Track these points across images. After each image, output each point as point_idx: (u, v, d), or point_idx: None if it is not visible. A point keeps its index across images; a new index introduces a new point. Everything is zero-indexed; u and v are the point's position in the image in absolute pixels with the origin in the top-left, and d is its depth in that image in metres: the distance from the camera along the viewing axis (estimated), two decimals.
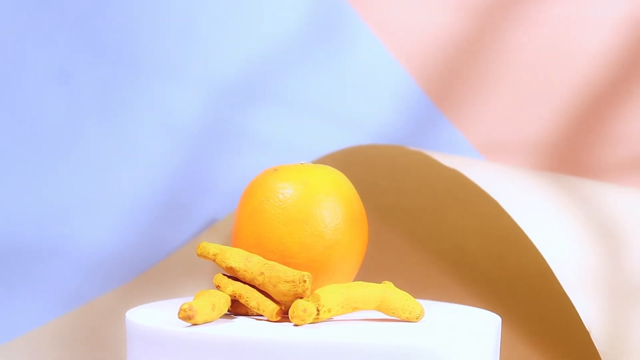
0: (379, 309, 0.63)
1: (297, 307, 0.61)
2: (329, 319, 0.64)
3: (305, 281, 0.62)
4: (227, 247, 0.66)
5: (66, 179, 0.89)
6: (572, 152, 0.93)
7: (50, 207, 0.89)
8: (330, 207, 0.66)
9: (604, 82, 0.93)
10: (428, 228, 0.89)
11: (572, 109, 0.93)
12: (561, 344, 0.84)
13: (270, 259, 0.65)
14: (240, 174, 0.91)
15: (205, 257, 0.66)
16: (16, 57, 0.89)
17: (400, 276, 0.89)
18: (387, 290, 0.63)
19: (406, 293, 0.64)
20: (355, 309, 0.63)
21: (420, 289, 0.87)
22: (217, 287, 0.65)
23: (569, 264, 0.72)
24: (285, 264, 0.65)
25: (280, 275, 0.63)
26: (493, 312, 0.81)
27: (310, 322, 0.62)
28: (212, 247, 0.65)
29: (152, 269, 0.90)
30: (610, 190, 0.83)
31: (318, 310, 0.62)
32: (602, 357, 0.68)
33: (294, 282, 0.62)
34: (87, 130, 0.90)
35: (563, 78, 0.93)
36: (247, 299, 0.64)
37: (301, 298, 0.62)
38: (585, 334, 0.71)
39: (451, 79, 0.94)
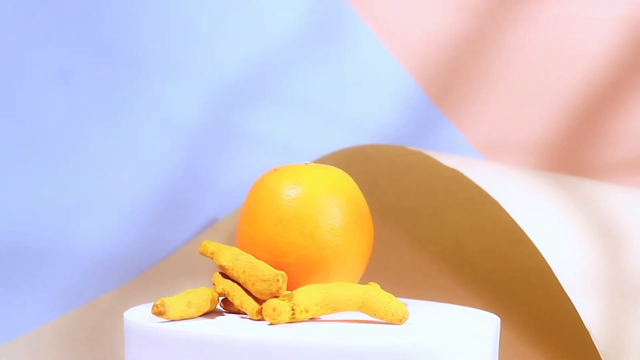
0: (361, 310, 0.63)
1: (268, 306, 0.61)
2: (313, 319, 0.64)
3: (278, 280, 0.62)
4: (225, 245, 0.66)
5: (66, 179, 0.89)
6: (572, 152, 0.93)
7: (50, 207, 0.89)
8: (322, 208, 0.66)
9: (604, 82, 0.93)
10: (428, 228, 0.89)
11: (572, 109, 0.93)
12: (561, 343, 0.84)
13: (261, 258, 0.65)
14: (240, 174, 0.91)
15: (205, 255, 0.67)
16: (16, 57, 0.89)
17: (400, 276, 0.89)
18: (368, 292, 0.63)
19: (390, 294, 0.63)
20: (335, 309, 0.63)
21: (420, 289, 0.87)
22: (214, 284, 0.66)
23: (569, 264, 0.72)
24: (276, 263, 0.65)
25: (258, 274, 0.63)
26: (493, 311, 0.81)
27: (287, 321, 0.62)
28: (211, 246, 0.67)
29: (152, 269, 0.90)
30: (610, 190, 0.83)
31: (293, 309, 0.62)
32: (602, 357, 0.68)
33: (268, 281, 0.63)
34: (87, 130, 0.90)
35: (563, 78, 0.93)
36: (232, 297, 0.65)
37: (277, 297, 0.63)
38: (585, 333, 0.71)
39: (451, 79, 0.94)
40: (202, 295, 0.64)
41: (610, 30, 0.92)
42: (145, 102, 0.91)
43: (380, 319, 0.63)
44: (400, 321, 0.63)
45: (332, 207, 0.66)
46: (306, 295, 0.62)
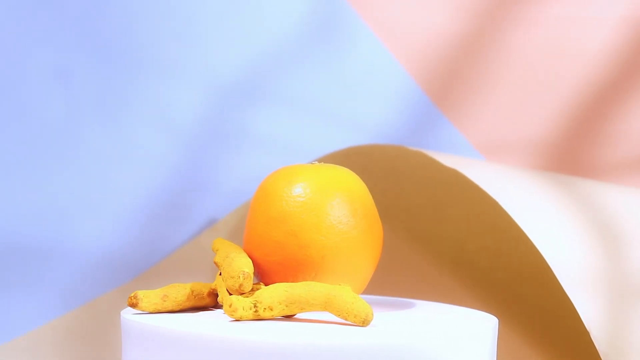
0: (326, 309, 0.62)
1: (225, 303, 0.62)
2: (292, 318, 0.64)
3: (239, 277, 0.63)
4: (228, 243, 0.67)
5: (66, 179, 0.89)
6: (572, 152, 0.93)
7: (51, 207, 0.89)
8: (310, 207, 0.65)
9: (604, 82, 0.93)
10: (428, 228, 0.89)
11: (572, 109, 0.93)
12: (561, 344, 0.84)
13: (253, 256, 0.66)
14: (240, 174, 0.91)
15: (214, 251, 0.68)
16: (16, 57, 0.89)
17: (400, 276, 0.89)
18: (332, 291, 0.62)
19: (355, 295, 0.62)
20: (302, 309, 0.62)
21: (420, 289, 0.87)
22: None
23: (569, 264, 0.72)
24: (264, 261, 0.66)
25: (229, 271, 0.64)
26: (493, 311, 0.81)
27: (250, 318, 0.62)
28: (217, 243, 0.69)
29: (152, 269, 0.90)
30: (610, 190, 0.83)
31: (256, 307, 0.62)
32: (602, 357, 0.68)
33: (233, 278, 0.63)
34: (87, 130, 0.90)
35: (563, 78, 0.93)
36: (218, 293, 0.65)
37: (243, 294, 0.63)
38: (585, 333, 0.71)
39: (451, 79, 0.94)
40: (181, 290, 0.65)
41: (610, 30, 0.92)
42: (145, 101, 0.91)
43: (345, 319, 0.62)
44: (364, 323, 0.61)
45: (322, 206, 0.65)
46: (270, 293, 0.62)
